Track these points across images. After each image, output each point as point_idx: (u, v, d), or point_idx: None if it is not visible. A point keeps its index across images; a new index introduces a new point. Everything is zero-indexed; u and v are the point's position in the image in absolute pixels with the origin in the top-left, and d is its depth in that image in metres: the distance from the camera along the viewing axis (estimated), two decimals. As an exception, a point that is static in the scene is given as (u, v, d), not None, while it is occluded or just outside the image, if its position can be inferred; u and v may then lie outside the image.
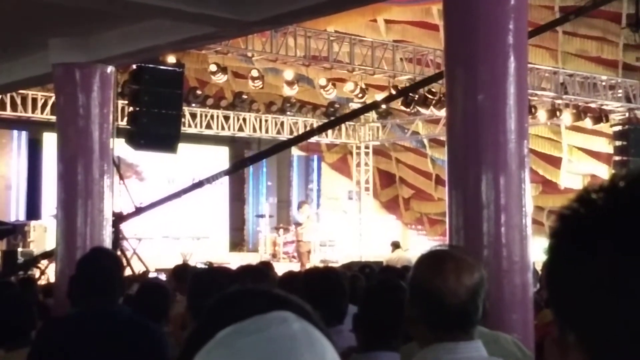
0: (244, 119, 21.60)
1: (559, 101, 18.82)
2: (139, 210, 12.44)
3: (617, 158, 18.88)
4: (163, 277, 10.45)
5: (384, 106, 19.55)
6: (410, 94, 17.68)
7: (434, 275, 2.57)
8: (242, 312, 1.10)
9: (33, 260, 14.74)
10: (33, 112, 18.50)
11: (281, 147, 14.54)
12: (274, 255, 20.02)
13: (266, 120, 22.03)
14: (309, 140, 22.41)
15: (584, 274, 0.96)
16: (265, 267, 6.90)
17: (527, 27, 6.45)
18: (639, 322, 0.91)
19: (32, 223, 17.58)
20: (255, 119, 21.81)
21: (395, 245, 18.65)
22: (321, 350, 1.07)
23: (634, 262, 0.92)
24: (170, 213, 17.04)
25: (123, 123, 14.67)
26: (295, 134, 22.38)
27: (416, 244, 23.05)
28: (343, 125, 23.04)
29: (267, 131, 22.06)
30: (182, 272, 9.12)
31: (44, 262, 14.36)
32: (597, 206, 0.97)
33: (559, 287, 1.00)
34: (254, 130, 21.89)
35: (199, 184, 11.64)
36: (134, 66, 13.43)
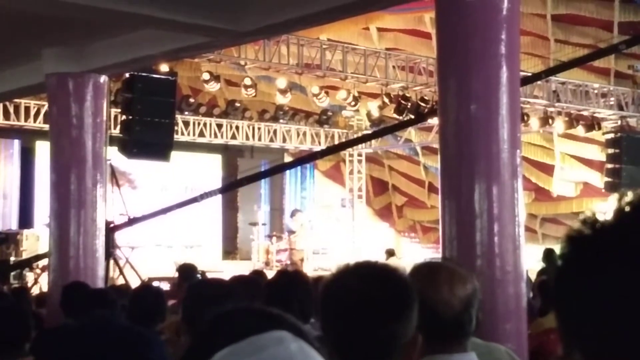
0: (237, 127, 21.59)
1: (552, 109, 18.85)
2: (132, 221, 12.42)
3: (609, 166, 18.86)
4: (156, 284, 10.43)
5: (376, 114, 19.55)
6: (403, 102, 17.71)
7: (428, 286, 2.57)
8: (238, 332, 1.10)
9: (26, 262, 14.68)
10: (26, 120, 18.44)
11: (281, 168, 14.56)
12: (267, 264, 19.95)
13: (259, 128, 22.02)
14: (302, 148, 22.44)
15: (590, 294, 0.96)
16: (258, 277, 6.90)
17: (519, 36, 6.47)
18: None
19: (25, 232, 17.45)
20: (248, 127, 21.80)
21: (390, 253, 18.62)
22: (317, 370, 1.08)
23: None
24: (163, 221, 16.98)
25: (116, 131, 14.63)
26: (288, 141, 22.40)
27: (409, 252, 23.05)
28: (336, 134, 23.06)
29: (260, 139, 22.06)
30: (187, 271, 9.12)
31: (37, 272, 14.32)
32: (604, 228, 0.98)
33: (566, 307, 1.00)
34: (247, 138, 21.89)
35: (193, 200, 11.69)
36: (127, 75, 13.39)
